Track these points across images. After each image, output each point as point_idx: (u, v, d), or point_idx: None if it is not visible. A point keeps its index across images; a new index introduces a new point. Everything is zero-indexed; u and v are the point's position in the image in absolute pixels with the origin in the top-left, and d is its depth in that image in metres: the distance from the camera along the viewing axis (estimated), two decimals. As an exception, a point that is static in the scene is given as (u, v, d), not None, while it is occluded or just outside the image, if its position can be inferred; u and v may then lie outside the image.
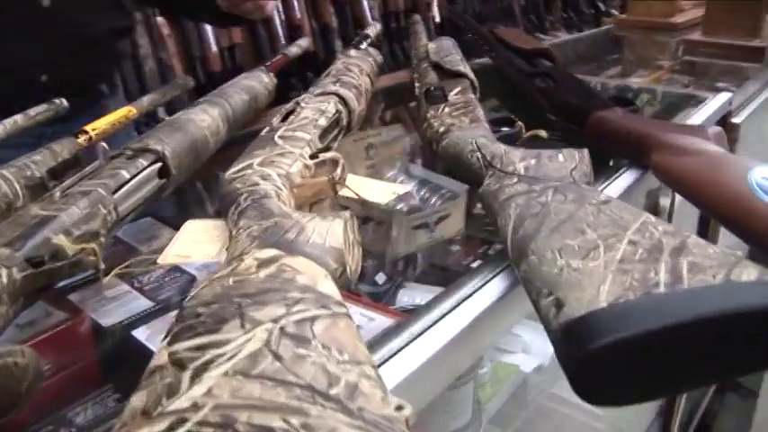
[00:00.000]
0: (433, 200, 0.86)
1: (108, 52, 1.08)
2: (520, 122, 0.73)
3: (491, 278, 0.54)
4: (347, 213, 0.47)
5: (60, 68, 0.99)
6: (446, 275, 0.91)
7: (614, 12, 3.40)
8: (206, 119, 0.75)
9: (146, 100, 0.95)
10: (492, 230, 1.01)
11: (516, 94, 0.98)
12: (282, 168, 0.59)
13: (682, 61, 1.65)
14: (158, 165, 0.67)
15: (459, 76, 0.92)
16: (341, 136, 0.77)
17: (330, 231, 0.45)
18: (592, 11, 3.33)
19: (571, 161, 0.59)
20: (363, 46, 1.22)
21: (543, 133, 0.76)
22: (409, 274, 0.90)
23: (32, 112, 0.90)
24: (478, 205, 0.98)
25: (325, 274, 0.41)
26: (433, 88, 0.88)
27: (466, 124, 0.71)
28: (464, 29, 1.36)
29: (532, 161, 0.59)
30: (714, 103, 0.99)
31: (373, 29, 1.37)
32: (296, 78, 2.24)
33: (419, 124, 0.81)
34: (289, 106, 0.77)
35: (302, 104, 0.76)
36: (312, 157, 0.63)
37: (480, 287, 0.53)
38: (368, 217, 0.92)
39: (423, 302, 0.91)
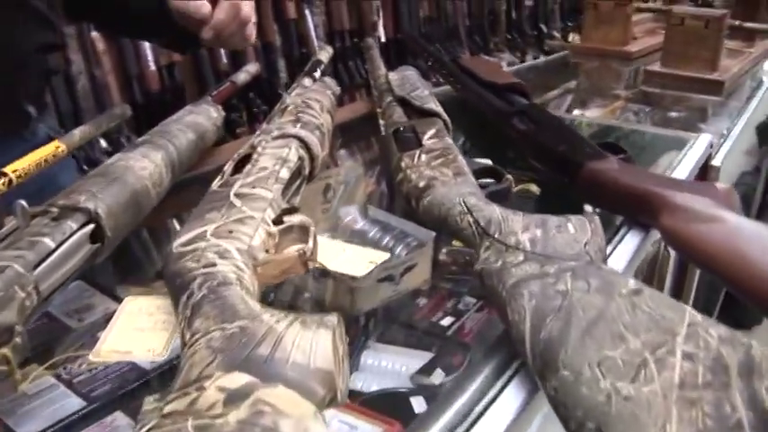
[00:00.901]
0: (398, 249, 0.76)
1: (34, 70, 0.95)
2: (509, 176, 0.64)
3: (502, 387, 0.44)
4: (334, 319, 0.37)
5: None
6: (414, 334, 0.81)
7: (556, 34, 3.39)
8: (147, 166, 0.64)
9: (77, 133, 0.83)
10: (457, 280, 0.92)
11: (489, 133, 0.90)
12: (243, 241, 0.48)
13: (639, 91, 1.61)
14: (90, 227, 0.55)
15: (430, 114, 0.83)
16: (303, 187, 0.67)
17: (315, 346, 0.35)
18: (535, 33, 3.31)
19: (583, 233, 0.50)
20: (317, 74, 1.12)
21: (535, 188, 0.67)
22: (372, 332, 0.81)
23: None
24: (443, 251, 0.89)
25: (314, 413, 0.31)
26: (402, 129, 0.79)
27: (449, 178, 0.62)
28: (421, 54, 1.27)
29: (538, 232, 0.50)
30: (698, 146, 0.93)
31: (326, 53, 1.27)
32: (237, 99, 2.13)
33: (392, 172, 0.71)
34: (243, 151, 0.66)
35: (259, 149, 0.65)
36: (276, 221, 0.53)
37: (492, 401, 0.43)
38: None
39: (390, 366, 0.82)
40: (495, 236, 0.52)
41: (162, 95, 1.94)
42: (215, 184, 0.59)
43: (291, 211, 0.55)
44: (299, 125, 0.71)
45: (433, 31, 2.68)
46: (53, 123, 1.03)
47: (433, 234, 0.69)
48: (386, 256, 0.60)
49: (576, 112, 1.45)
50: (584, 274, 0.44)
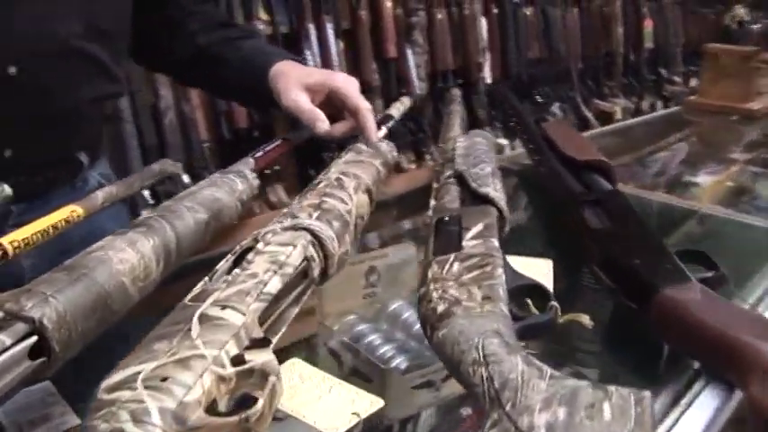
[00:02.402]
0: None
1: (89, 121, 0.90)
2: (555, 303, 0.50)
3: None
4: None
5: (28, 143, 0.81)
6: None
7: (677, 79, 3.15)
8: (129, 258, 0.55)
9: (100, 195, 0.75)
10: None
11: (559, 221, 0.76)
12: (174, 396, 0.38)
13: (760, 156, 1.41)
14: (32, 340, 0.46)
15: (485, 201, 0.70)
16: (308, 292, 0.55)
17: None
18: (653, 77, 3.08)
19: (623, 421, 0.36)
20: (383, 132, 1.01)
21: (586, 321, 0.53)
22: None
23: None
24: None
25: None
26: (447, 219, 0.66)
27: (475, 303, 0.49)
28: (508, 113, 1.14)
29: (561, 412, 0.37)
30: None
31: (400, 106, 1.17)
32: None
33: (419, 278, 0.59)
34: (245, 243, 0.56)
35: (261, 244, 0.55)
36: (237, 360, 0.42)
37: None
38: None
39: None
40: (507, 407, 0.39)
41: (250, 132, 1.89)
42: (190, 295, 0.49)
43: (262, 343, 0.44)
44: (316, 213, 0.60)
45: (542, 74, 2.52)
46: (106, 170, 0.98)
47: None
48: (379, 404, 0.48)
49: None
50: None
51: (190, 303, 0.47)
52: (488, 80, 2.39)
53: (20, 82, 0.77)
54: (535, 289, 0.54)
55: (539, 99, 2.46)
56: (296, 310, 0.53)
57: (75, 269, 0.52)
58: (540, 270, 0.64)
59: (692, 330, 0.50)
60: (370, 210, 0.71)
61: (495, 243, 0.59)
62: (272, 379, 0.40)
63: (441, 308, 0.49)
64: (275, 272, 0.51)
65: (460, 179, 0.76)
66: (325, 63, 2.04)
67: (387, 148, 0.89)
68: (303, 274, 0.55)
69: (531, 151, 0.93)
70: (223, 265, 0.53)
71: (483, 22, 2.32)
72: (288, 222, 0.59)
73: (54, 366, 0.48)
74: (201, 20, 1.00)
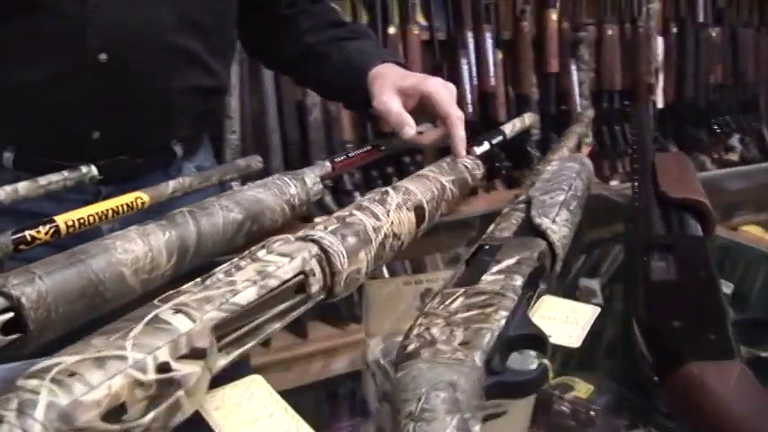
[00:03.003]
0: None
1: (183, 113, 0.92)
2: (546, 362, 0.43)
3: None
4: None
5: (116, 128, 0.85)
6: None
7: None
8: (134, 249, 0.55)
9: (171, 185, 0.77)
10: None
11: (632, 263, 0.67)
12: (71, 393, 0.36)
13: None
14: (7, 315, 0.47)
15: (538, 233, 0.63)
16: (302, 308, 0.52)
17: None
18: None
19: None
20: (483, 148, 0.96)
21: (583, 390, 0.46)
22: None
23: (43, 180, 0.76)
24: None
25: None
26: (487, 248, 0.61)
27: (449, 348, 0.43)
28: (632, 140, 1.04)
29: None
30: None
31: (518, 123, 1.11)
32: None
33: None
34: (255, 249, 0.54)
35: (264, 250, 0.53)
36: (162, 368, 0.40)
37: None
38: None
39: None
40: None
41: (394, 134, 1.88)
42: (165, 294, 0.48)
43: (196, 354, 0.42)
44: (334, 226, 0.57)
45: (723, 101, 2.30)
46: (206, 163, 1.00)
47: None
48: (312, 436, 0.43)
49: None
50: None
51: (156, 303, 0.46)
52: (660, 104, 2.22)
53: (109, 68, 0.80)
54: (536, 340, 0.47)
55: (716, 128, 2.24)
56: (278, 325, 0.50)
57: (76, 254, 0.53)
58: (578, 317, 0.57)
59: (710, 421, 0.41)
60: (416, 229, 0.67)
61: (518, 281, 0.53)
62: (178, 394, 0.38)
63: (411, 346, 0.44)
64: (254, 282, 0.48)
65: (528, 206, 0.70)
66: (481, 73, 1.99)
67: (470, 164, 0.84)
68: (299, 287, 0.52)
69: (633, 182, 0.84)
70: (221, 268, 0.51)
71: (659, 41, 2.15)
72: (302, 231, 0.56)
73: (31, 344, 0.49)
74: (312, 18, 1.00)
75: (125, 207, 0.70)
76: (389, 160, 1.90)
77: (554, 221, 0.65)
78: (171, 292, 0.48)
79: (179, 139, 0.93)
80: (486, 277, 0.54)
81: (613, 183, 2.13)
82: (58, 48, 0.79)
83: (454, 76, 1.94)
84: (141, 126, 0.86)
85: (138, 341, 0.41)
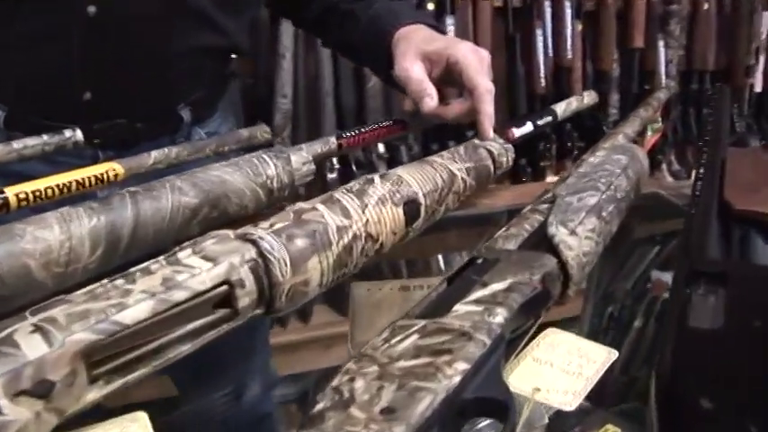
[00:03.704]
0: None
1: (191, 74, 0.83)
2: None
3: None
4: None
5: (110, 88, 0.77)
6: None
7: None
8: (47, 238, 0.46)
9: (154, 155, 0.68)
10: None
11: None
12: None
13: None
14: None
15: (551, 247, 0.51)
16: (227, 326, 0.42)
17: None
18: None
19: None
20: (525, 129, 0.84)
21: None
22: None
23: (17, 144, 0.69)
24: None
25: None
26: (480, 261, 0.49)
27: (365, 415, 0.32)
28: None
29: None
30: None
31: (574, 102, 0.97)
32: (551, 128, 1.86)
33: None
34: (186, 245, 0.44)
35: (190, 249, 0.43)
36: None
37: None
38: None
39: None
40: None
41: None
42: (45, 302, 0.38)
43: (37, 392, 0.32)
44: (284, 224, 0.46)
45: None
46: (219, 130, 0.91)
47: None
48: None
49: None
50: None
51: (28, 314, 0.37)
52: (758, 88, 1.99)
53: (98, 23, 0.72)
54: (498, 408, 0.35)
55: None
56: (186, 347, 0.40)
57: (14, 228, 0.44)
58: (585, 365, 0.44)
59: None
60: (405, 228, 0.55)
61: (498, 318, 0.40)
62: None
63: (320, 404, 0.33)
64: (152, 295, 0.38)
65: (551, 207, 0.57)
66: (557, 45, 1.83)
67: (496, 149, 0.71)
68: (221, 301, 0.42)
69: (696, 183, 0.69)
70: (128, 271, 0.41)
71: (764, 17, 1.92)
72: (244, 229, 0.46)
73: None
74: None
75: (93, 179, 0.62)
76: (450, 132, 1.77)
77: (573, 233, 0.52)
78: (55, 299, 0.38)
79: (187, 103, 0.84)
80: (459, 307, 0.42)
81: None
82: (46, 1, 0.72)
83: (527, 48, 1.79)
84: (135, 88, 0.79)
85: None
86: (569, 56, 1.81)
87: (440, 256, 1.62)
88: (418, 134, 1.73)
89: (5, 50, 0.75)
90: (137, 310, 0.37)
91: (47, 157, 0.73)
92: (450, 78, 0.76)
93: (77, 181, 0.60)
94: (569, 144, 1.91)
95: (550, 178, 1.87)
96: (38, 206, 0.57)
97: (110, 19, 0.73)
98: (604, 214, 0.58)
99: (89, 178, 0.61)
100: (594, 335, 1.01)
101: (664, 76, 1.91)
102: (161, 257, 0.42)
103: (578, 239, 0.52)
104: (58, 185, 0.59)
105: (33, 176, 0.58)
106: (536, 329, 0.47)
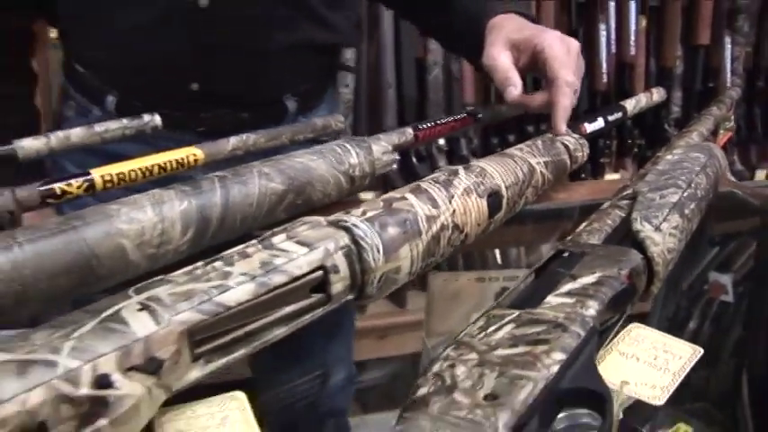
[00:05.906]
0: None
1: (296, 66, 0.85)
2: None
3: None
4: None
5: (218, 79, 0.79)
6: None
7: None
8: (141, 219, 0.47)
9: (232, 141, 0.69)
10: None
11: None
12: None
13: None
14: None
15: (636, 244, 0.50)
16: (321, 310, 0.42)
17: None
18: None
19: None
20: (596, 125, 0.82)
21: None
22: None
23: (99, 127, 0.70)
24: None
25: None
26: (566, 255, 0.48)
27: (469, 400, 0.32)
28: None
29: None
30: None
31: (643, 98, 0.95)
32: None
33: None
34: (278, 230, 0.44)
35: (284, 234, 0.43)
36: (100, 382, 0.31)
37: None
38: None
39: None
40: None
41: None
42: (146, 282, 0.39)
43: (146, 368, 0.33)
44: (376, 212, 0.46)
45: None
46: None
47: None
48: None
49: None
50: None
51: (130, 293, 0.37)
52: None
53: (208, 15, 0.74)
54: (594, 399, 0.35)
55: None
56: (282, 330, 0.40)
57: (71, 220, 0.45)
58: (671, 360, 0.44)
59: None
60: (488, 220, 0.55)
61: (590, 310, 0.40)
62: (99, 423, 0.29)
63: (422, 390, 0.33)
64: (252, 278, 0.39)
65: (633, 203, 0.56)
66: (621, 40, 1.79)
67: (572, 144, 0.70)
68: (317, 286, 0.42)
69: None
70: (225, 253, 0.42)
71: (835, 16, 1.85)
72: (335, 216, 0.46)
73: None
74: None
75: (174, 163, 0.63)
76: (511, 127, 1.75)
77: (658, 229, 0.51)
78: (156, 278, 0.39)
79: (293, 93, 0.85)
80: (551, 299, 0.41)
81: (759, 172, 1.89)
82: None
83: (590, 43, 1.76)
84: (242, 79, 0.80)
85: (79, 344, 0.32)
86: (632, 52, 1.78)
87: (497, 250, 1.61)
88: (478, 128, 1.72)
89: (121, 38, 0.77)
90: (238, 291, 0.38)
91: (141, 138, 0.73)
92: (535, 67, 0.75)
93: (159, 165, 0.61)
94: (629, 141, 1.87)
95: (609, 176, 1.84)
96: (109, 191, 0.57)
97: (219, 10, 0.74)
98: (686, 212, 0.57)
99: (170, 162, 0.62)
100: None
101: (729, 74, 1.85)
102: (254, 241, 0.43)
103: (663, 236, 0.51)
104: (141, 168, 0.59)
105: (125, 156, 0.59)
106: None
